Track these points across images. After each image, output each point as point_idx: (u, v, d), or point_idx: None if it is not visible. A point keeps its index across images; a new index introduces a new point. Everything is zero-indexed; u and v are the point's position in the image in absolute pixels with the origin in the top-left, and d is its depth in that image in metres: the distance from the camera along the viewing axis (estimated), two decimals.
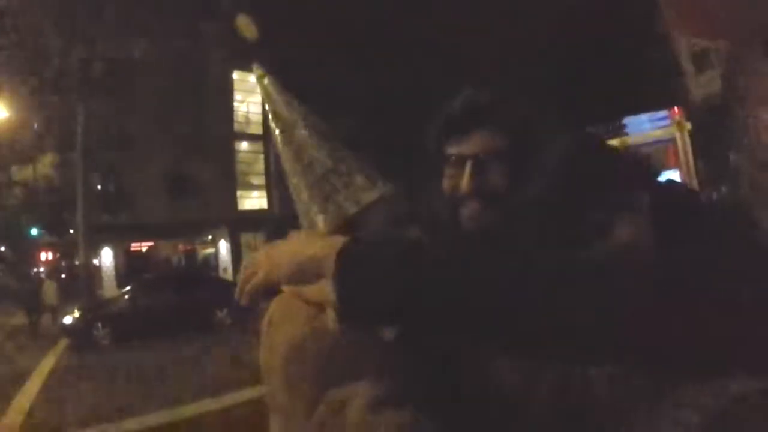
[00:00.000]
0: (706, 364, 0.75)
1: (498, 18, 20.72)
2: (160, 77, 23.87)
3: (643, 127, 13.77)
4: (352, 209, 1.04)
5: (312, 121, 1.18)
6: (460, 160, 1.12)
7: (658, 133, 13.13)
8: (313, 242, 0.91)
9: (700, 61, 11.95)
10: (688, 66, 12.59)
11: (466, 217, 1.10)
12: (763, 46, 7.80)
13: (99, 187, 23.48)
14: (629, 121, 14.07)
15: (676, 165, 12.48)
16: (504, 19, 20.57)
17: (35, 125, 21.39)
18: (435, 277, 0.80)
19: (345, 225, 1.03)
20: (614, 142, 14.37)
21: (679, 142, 12.04)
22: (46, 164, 21.96)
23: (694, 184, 11.58)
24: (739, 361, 0.73)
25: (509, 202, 1.05)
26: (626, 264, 0.83)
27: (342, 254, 0.83)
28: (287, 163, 1.13)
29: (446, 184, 1.14)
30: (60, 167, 22.51)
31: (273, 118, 1.20)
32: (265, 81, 1.18)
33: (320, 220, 1.06)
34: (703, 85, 11.86)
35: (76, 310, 14.94)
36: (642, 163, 1.04)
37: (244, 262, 1.03)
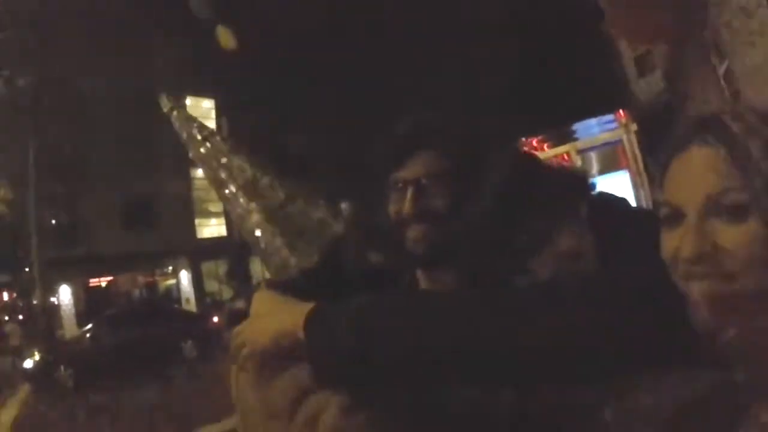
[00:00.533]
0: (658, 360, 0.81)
1: (446, 31, 21.06)
2: (112, 104, 23.49)
3: (592, 131, 14.20)
4: (317, 249, 1.11)
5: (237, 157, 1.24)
6: (404, 185, 1.16)
7: (606, 136, 13.55)
8: (281, 315, 1.02)
9: (642, 63, 12.34)
10: (630, 69, 13.00)
11: (411, 240, 1.14)
12: (701, 47, 8.10)
13: (53, 221, 22.83)
14: (578, 126, 14.48)
15: (626, 165, 12.90)
16: (452, 32, 20.92)
17: None
18: (387, 341, 0.90)
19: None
20: (565, 147, 14.74)
21: (626, 144, 12.46)
22: None
23: (644, 181, 11.95)
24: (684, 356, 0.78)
25: (451, 223, 1.10)
26: (568, 280, 0.91)
27: (307, 330, 0.95)
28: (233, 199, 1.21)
29: (392, 208, 1.18)
30: (12, 202, 21.79)
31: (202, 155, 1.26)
32: (175, 114, 1.31)
33: (293, 262, 1.14)
34: (646, 87, 12.28)
35: (36, 353, 14.47)
36: (578, 177, 1.10)
37: (233, 332, 1.09)
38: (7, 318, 22.55)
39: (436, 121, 1.24)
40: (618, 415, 0.86)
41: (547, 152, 15.04)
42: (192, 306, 25.75)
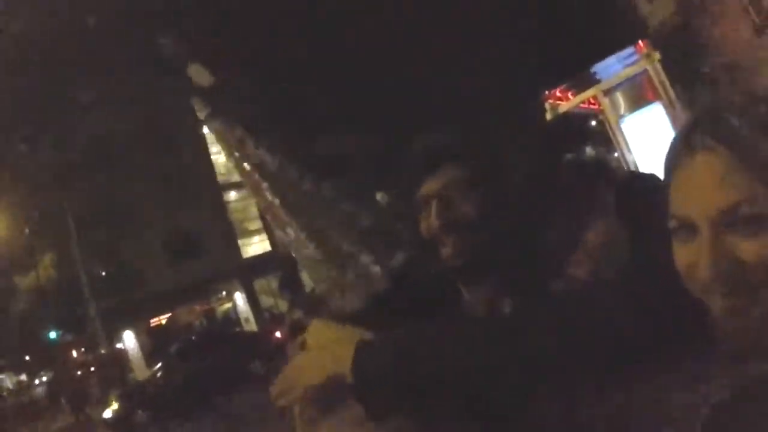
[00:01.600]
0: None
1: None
2: (134, 146, 23.86)
3: (613, 70, 13.69)
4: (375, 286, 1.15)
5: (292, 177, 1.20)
6: (428, 200, 1.17)
7: (630, 71, 13.05)
8: (332, 352, 1.04)
9: None
10: None
11: (445, 254, 1.15)
12: None
13: (103, 273, 23.39)
14: (598, 67, 14.01)
15: (656, 97, 12.41)
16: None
17: (26, 230, 21.39)
18: (432, 371, 0.94)
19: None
20: (590, 91, 14.30)
21: (653, 73, 11.97)
22: (47, 265, 21.92)
23: (678, 110, 11.48)
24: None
25: (482, 230, 1.11)
26: (598, 289, 0.93)
27: (355, 368, 0.98)
28: (293, 233, 1.19)
29: (422, 226, 1.19)
30: (60, 263, 22.45)
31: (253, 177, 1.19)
32: (215, 124, 1.26)
33: (352, 299, 1.19)
34: (657, 11, 11.81)
35: (113, 401, 14.85)
36: (600, 165, 1.12)
37: (282, 374, 1.12)
38: (79, 372, 23.26)
39: (450, 135, 1.26)
40: (657, 416, 0.85)
41: (572, 100, 14.63)
42: (252, 325, 26.14)
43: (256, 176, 1.13)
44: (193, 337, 19.46)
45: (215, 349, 15.47)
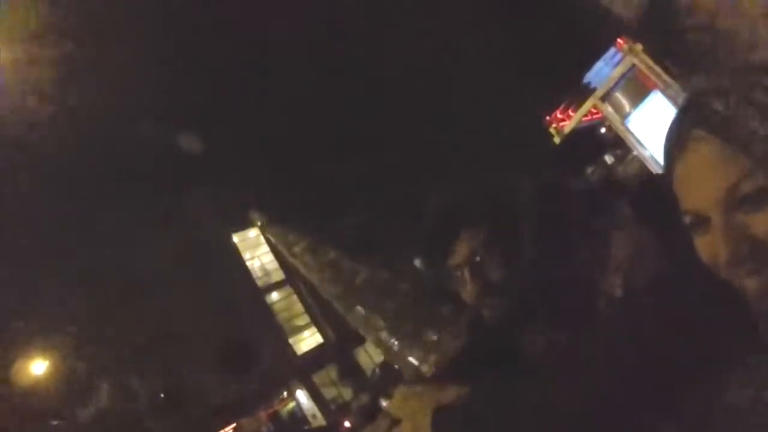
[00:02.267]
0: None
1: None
2: (173, 268, 24.33)
3: (604, 74, 13.71)
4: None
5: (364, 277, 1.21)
6: (459, 269, 1.18)
7: (620, 70, 13.05)
8: (412, 424, 1.04)
9: None
10: None
11: (488, 317, 1.16)
12: None
13: (162, 395, 23.33)
14: (590, 77, 14.04)
15: (654, 86, 12.31)
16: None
17: (82, 362, 21.67)
18: None
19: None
20: (589, 102, 14.27)
21: (642, 65, 11.93)
22: (102, 397, 22.00)
23: (677, 90, 11.34)
24: None
25: (518, 283, 1.13)
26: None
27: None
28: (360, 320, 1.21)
29: (463, 293, 1.20)
30: (118, 391, 22.53)
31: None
32: (272, 231, 1.32)
33: (425, 368, 1.20)
34: (625, 4, 11.88)
35: None
36: (606, 184, 1.11)
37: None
38: None
39: (462, 198, 1.28)
40: (716, 415, 0.81)
41: (574, 116, 14.61)
42: (320, 420, 25.59)
43: (316, 272, 1.18)
44: None
45: None
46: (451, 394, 1.00)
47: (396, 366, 1.12)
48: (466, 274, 1.17)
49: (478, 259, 1.16)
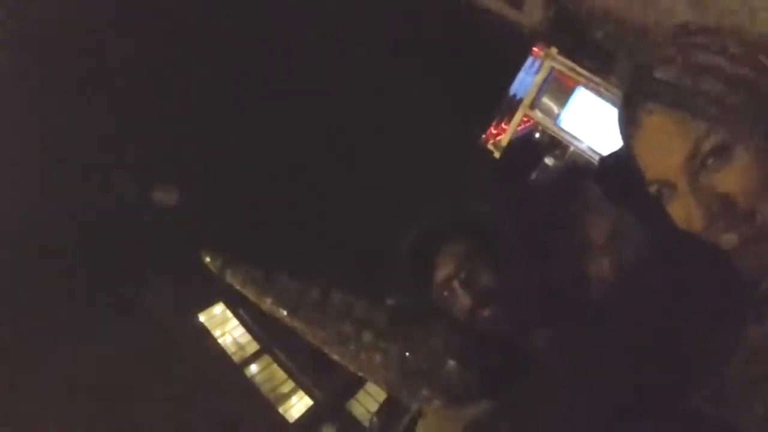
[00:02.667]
0: None
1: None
2: (136, 367, 23.42)
3: (528, 83, 14.28)
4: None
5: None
6: (448, 284, 1.11)
7: (541, 76, 13.62)
8: None
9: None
10: (505, 10, 13.19)
11: (491, 327, 1.14)
12: None
13: None
14: (513, 89, 14.59)
15: (576, 84, 12.89)
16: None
17: None
18: None
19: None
20: (519, 113, 14.78)
21: (561, 67, 12.52)
22: None
23: (599, 82, 11.92)
24: None
25: (510, 288, 1.11)
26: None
27: None
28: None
29: (455, 311, 1.15)
30: None
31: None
32: (227, 271, 1.23)
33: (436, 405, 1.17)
34: (529, 14, 12.50)
35: None
36: (570, 170, 1.10)
37: None
38: None
39: (436, 218, 1.26)
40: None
41: (508, 128, 15.11)
42: None
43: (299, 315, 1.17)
44: None
45: None
46: (472, 411, 0.95)
47: (404, 402, 1.02)
48: (456, 286, 1.10)
49: (464, 272, 1.10)
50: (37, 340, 20.27)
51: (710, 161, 0.64)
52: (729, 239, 0.67)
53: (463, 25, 15.66)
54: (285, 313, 1.05)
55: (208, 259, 1.15)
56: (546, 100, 13.83)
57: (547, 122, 13.96)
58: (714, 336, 0.76)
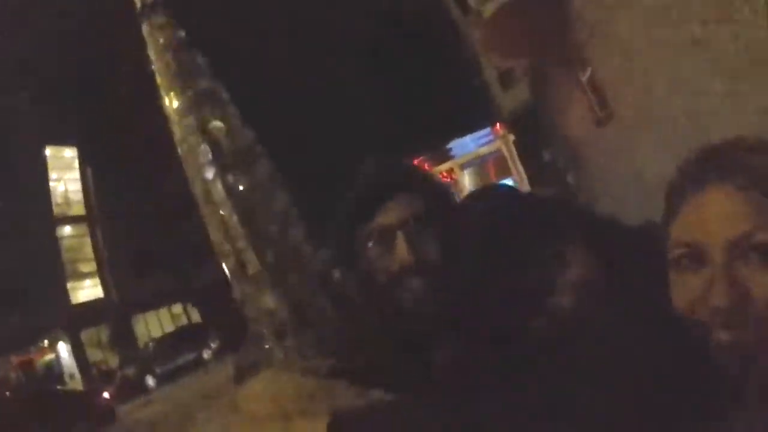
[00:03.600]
0: None
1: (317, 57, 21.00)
2: None
3: (469, 148, 14.65)
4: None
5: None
6: (387, 232, 1.01)
7: (484, 150, 14.03)
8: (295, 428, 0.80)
9: (506, 79, 12.99)
10: (495, 85, 13.64)
11: (410, 298, 0.99)
12: (558, 59, 8.69)
13: None
14: (454, 144, 14.92)
15: (499, 177, 13.42)
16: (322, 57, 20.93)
17: None
18: None
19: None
20: (444, 166, 15.18)
21: (507, 153, 12.95)
22: None
23: (526, 186, 12.46)
24: None
25: (446, 272, 0.96)
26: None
27: None
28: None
29: (378, 263, 1.01)
30: None
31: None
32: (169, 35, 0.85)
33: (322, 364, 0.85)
34: (512, 99, 12.95)
35: None
36: (564, 203, 1.00)
37: None
38: None
39: (401, 163, 1.14)
40: None
41: (431, 171, 15.39)
42: (77, 381, 23.61)
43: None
44: (8, 393, 17.19)
45: (34, 411, 13.73)
46: (347, 398, 0.81)
47: (263, 347, 0.84)
48: (400, 237, 0.99)
49: (413, 228, 1.00)
50: None
51: (757, 254, 0.65)
52: (728, 336, 0.65)
53: (454, 66, 15.89)
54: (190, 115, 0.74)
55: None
56: (467, 173, 14.31)
57: (464, 188, 14.39)
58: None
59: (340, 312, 0.83)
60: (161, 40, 0.82)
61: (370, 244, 1.03)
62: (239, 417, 0.86)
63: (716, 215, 0.69)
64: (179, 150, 0.82)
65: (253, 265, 0.81)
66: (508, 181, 13.56)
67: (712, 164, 0.71)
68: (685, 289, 0.71)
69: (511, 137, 11.73)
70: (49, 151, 27.22)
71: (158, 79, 0.82)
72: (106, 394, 15.89)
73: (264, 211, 0.81)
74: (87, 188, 28.58)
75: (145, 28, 0.85)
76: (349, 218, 1.06)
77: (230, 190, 0.81)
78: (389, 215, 1.02)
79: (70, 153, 28.43)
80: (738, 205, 0.67)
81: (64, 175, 28.04)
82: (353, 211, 1.06)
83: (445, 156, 14.75)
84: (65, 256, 27.01)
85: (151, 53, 0.85)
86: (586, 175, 9.88)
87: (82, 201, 28.39)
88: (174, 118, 0.82)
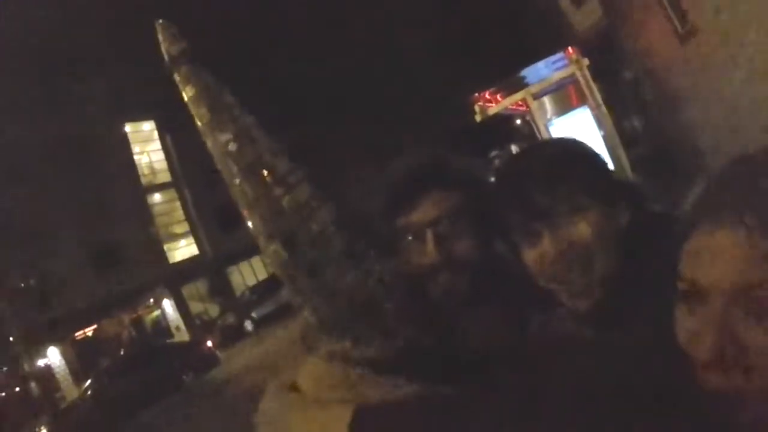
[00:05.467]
0: None
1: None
2: (50, 155, 22.46)
3: (542, 74, 14.03)
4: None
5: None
6: (419, 230, 1.03)
7: (558, 76, 13.41)
8: (325, 416, 0.84)
9: None
10: (566, 4, 12.96)
11: (440, 291, 1.00)
12: None
13: (22, 284, 21.91)
14: (527, 72, 14.34)
15: (580, 103, 12.82)
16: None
17: None
18: None
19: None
20: (520, 94, 14.68)
21: (581, 78, 12.35)
22: None
23: (604, 115, 11.95)
24: None
25: (480, 264, 1.00)
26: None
27: None
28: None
29: (412, 260, 1.03)
30: None
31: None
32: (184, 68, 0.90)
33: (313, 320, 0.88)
34: (583, 18, 12.27)
35: (43, 428, 14.16)
36: (624, 184, 0.98)
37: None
38: (3, 394, 21.84)
39: (438, 158, 1.13)
40: None
41: (502, 102, 14.96)
42: (183, 333, 25.26)
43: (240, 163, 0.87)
44: (122, 352, 18.71)
45: (146, 363, 14.91)
46: (378, 392, 0.84)
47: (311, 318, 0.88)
48: (429, 236, 1.02)
49: (444, 225, 1.03)
50: None
51: (755, 308, 0.62)
52: (716, 380, 0.64)
53: None
54: (233, 158, 0.78)
55: (163, 34, 0.79)
56: (548, 99, 13.71)
57: (538, 119, 13.90)
58: None
59: (384, 303, 0.85)
60: (190, 92, 0.88)
61: (409, 237, 1.05)
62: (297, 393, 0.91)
63: (723, 259, 0.66)
64: (230, 187, 0.89)
65: (299, 258, 0.86)
66: (584, 109, 13.03)
67: (733, 193, 0.67)
68: (684, 323, 0.70)
69: (585, 61, 11.18)
70: (128, 127, 28.45)
71: (197, 124, 0.89)
72: (209, 342, 16.91)
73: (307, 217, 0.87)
74: (169, 156, 29.73)
75: (176, 78, 0.89)
76: (385, 211, 1.08)
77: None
78: (420, 213, 1.04)
79: (148, 126, 29.58)
80: (747, 254, 0.64)
81: (146, 147, 29.33)
82: (388, 205, 1.08)
83: (519, 84, 14.20)
84: (158, 220, 28.53)
85: (187, 101, 0.89)
86: (667, 97, 9.39)
87: (167, 168, 29.63)
88: (218, 158, 0.89)
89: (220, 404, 10.61)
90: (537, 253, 0.89)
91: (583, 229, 0.88)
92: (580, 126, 12.24)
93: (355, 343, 0.85)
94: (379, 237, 1.01)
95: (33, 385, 20.42)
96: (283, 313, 20.21)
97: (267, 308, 20.96)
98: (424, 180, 1.06)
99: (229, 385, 12.06)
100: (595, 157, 0.98)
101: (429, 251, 1.01)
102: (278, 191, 0.85)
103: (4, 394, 21.86)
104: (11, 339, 21.05)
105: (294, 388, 0.91)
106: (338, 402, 0.84)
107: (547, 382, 0.83)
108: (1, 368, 22.75)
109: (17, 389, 22.04)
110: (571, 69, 12.59)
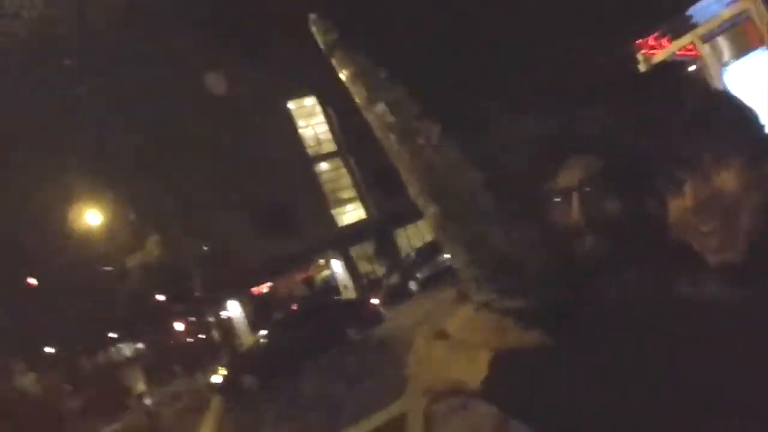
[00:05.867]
0: None
1: None
2: (218, 128, 24.55)
3: (711, 11, 12.67)
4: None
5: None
6: (563, 193, 1.08)
7: (730, 12, 12.04)
8: (466, 359, 0.93)
9: None
10: None
11: (585, 252, 1.06)
12: None
13: (204, 247, 24.60)
14: (694, 10, 13.01)
15: (762, 43, 11.40)
16: None
17: (131, 216, 22.86)
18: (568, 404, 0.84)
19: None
20: (687, 38, 13.39)
21: (755, 14, 11.02)
22: (152, 246, 23.45)
23: None
24: None
25: (626, 225, 1.03)
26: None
27: (485, 389, 0.88)
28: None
29: (553, 219, 1.09)
30: (164, 243, 23.92)
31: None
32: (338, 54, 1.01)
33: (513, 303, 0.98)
34: None
35: (220, 368, 15.84)
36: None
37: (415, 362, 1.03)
38: (190, 340, 24.88)
39: (583, 122, 1.16)
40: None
41: (668, 48, 13.81)
42: (351, 291, 26.75)
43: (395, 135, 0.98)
44: (294, 307, 20.23)
45: (315, 317, 16.11)
46: (517, 337, 0.92)
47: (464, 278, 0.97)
48: (575, 199, 1.07)
49: (589, 188, 1.07)
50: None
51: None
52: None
53: None
54: (390, 127, 0.87)
55: (316, 27, 0.90)
56: (721, 41, 12.37)
57: (712, 64, 12.64)
58: None
59: (529, 261, 0.94)
60: (346, 73, 1.00)
61: (557, 200, 1.10)
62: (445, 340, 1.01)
63: None
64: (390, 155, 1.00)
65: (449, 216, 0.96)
66: (761, 52, 11.57)
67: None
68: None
69: None
70: (291, 105, 30.35)
71: (356, 100, 1.01)
72: (375, 300, 17.68)
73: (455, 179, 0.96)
74: (333, 127, 31.26)
75: (333, 62, 1.02)
76: (530, 175, 1.15)
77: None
78: (566, 177, 1.09)
79: (310, 101, 31.29)
80: None
81: (310, 121, 31.08)
82: (532, 170, 1.15)
83: (687, 25, 12.83)
84: (326, 187, 30.34)
85: (344, 81, 1.02)
86: None
87: (332, 138, 31.21)
88: (377, 129, 1.00)
89: (382, 357, 11.06)
90: (681, 203, 0.91)
91: (727, 178, 0.88)
92: (759, 72, 10.96)
93: (501, 295, 0.94)
94: (524, 198, 1.11)
95: (215, 332, 22.86)
96: (447, 275, 20.55)
97: (431, 270, 21.37)
98: (566, 147, 1.11)
99: (392, 340, 12.61)
100: (743, 108, 0.98)
101: (575, 214, 1.06)
102: (430, 154, 0.94)
103: (190, 340, 24.93)
104: (197, 294, 23.76)
105: (443, 334, 1.02)
106: (480, 344, 0.93)
107: (688, 345, 0.84)
108: (190, 318, 25.99)
109: (203, 336, 25.05)
110: (743, 4, 11.27)
